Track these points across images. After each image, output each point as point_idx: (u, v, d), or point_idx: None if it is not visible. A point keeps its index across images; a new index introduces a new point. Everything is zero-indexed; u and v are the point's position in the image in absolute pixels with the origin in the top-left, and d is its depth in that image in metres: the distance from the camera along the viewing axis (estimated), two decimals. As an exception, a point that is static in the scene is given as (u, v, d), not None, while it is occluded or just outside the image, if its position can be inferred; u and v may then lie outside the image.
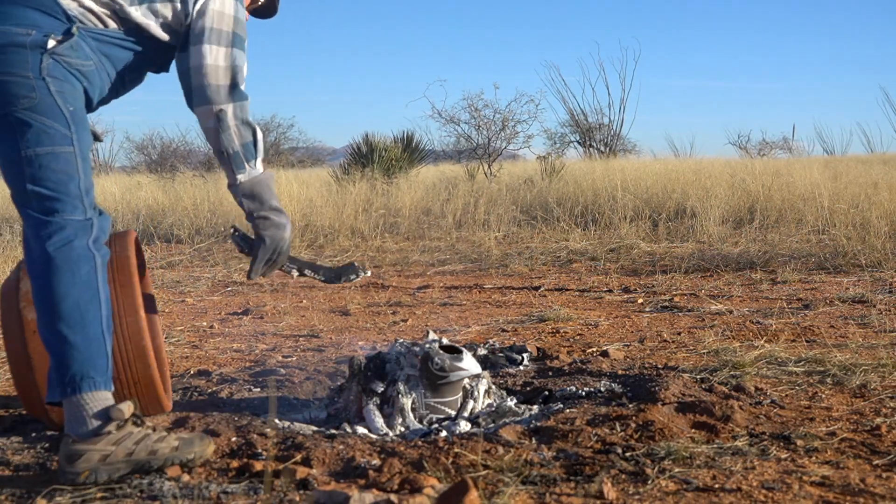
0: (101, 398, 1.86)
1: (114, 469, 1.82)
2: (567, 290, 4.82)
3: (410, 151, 13.22)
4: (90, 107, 2.09)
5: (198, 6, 2.13)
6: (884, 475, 1.81)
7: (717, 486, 1.75)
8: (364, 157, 12.55)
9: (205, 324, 4.03)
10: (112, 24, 2.07)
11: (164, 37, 2.13)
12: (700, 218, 7.34)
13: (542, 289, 4.86)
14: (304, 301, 4.67)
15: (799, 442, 2.01)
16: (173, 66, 2.20)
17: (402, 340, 2.42)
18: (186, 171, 14.36)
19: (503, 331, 3.72)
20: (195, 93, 2.12)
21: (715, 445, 1.99)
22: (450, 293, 4.82)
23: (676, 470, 1.84)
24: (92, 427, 1.83)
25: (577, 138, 21.48)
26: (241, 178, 2.17)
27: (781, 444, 2.01)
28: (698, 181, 9.59)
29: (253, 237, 2.29)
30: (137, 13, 2.09)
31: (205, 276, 5.69)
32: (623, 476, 1.81)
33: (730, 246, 6.29)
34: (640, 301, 4.37)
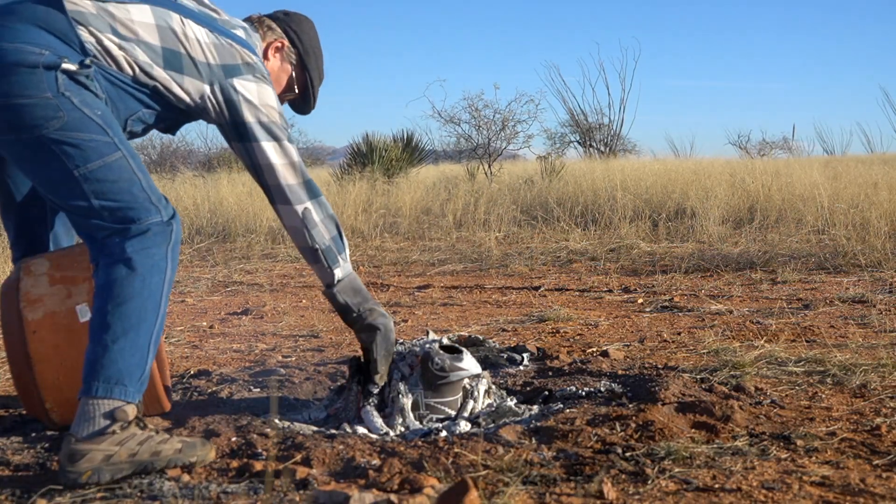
0: (117, 404, 1.85)
1: (117, 469, 1.81)
2: (567, 290, 4.83)
3: (410, 151, 13.22)
4: None
5: (239, 97, 2.08)
6: (884, 475, 1.81)
7: (717, 486, 1.75)
8: (364, 156, 12.55)
9: (205, 324, 4.03)
10: (128, 71, 1.98)
11: (185, 99, 2.06)
12: (700, 218, 7.34)
13: (542, 289, 4.86)
14: (304, 301, 4.67)
15: (799, 442, 2.01)
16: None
17: (402, 340, 2.42)
18: (186, 172, 14.36)
19: (503, 331, 3.72)
20: (273, 192, 2.14)
21: (715, 445, 1.99)
22: (450, 293, 4.82)
23: (676, 470, 1.84)
24: (98, 427, 1.83)
25: (577, 138, 21.48)
26: (338, 273, 2.20)
27: (781, 444, 2.01)
28: (698, 181, 9.59)
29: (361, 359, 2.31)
30: (162, 72, 2.01)
31: (205, 277, 5.69)
32: (623, 476, 1.81)
33: (730, 246, 6.29)
34: (640, 301, 4.37)
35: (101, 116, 1.90)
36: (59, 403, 2.12)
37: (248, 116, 2.08)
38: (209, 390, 2.68)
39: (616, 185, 9.45)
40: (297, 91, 2.37)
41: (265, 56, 2.29)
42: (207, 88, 2.06)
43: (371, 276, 5.60)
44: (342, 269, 2.21)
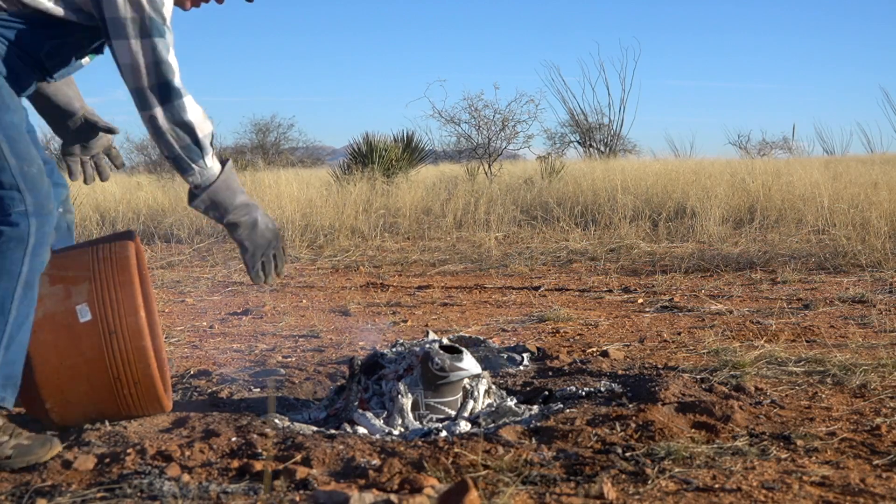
0: None
1: None
2: (567, 290, 4.82)
3: (410, 151, 13.22)
4: (19, 92, 2.03)
5: None
6: (884, 475, 1.81)
7: (717, 486, 1.75)
8: (364, 157, 12.55)
9: (205, 324, 4.03)
10: (5, 6, 1.96)
11: (58, 11, 2.00)
12: (700, 218, 7.34)
13: (542, 289, 4.86)
14: (304, 301, 4.67)
15: (799, 442, 2.01)
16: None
17: (402, 340, 2.42)
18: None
19: (503, 331, 3.71)
20: (131, 96, 2.01)
21: (715, 445, 1.99)
22: (450, 293, 4.82)
23: (676, 470, 1.84)
24: None
25: (577, 138, 21.50)
26: (192, 180, 2.06)
27: (781, 444, 2.00)
28: (698, 181, 9.59)
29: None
30: None
31: (205, 277, 5.69)
32: (623, 476, 1.81)
33: (730, 246, 6.29)
34: (640, 301, 4.37)
35: None
36: (59, 403, 2.12)
37: (117, 10, 1.96)
38: (209, 390, 2.68)
39: (616, 185, 9.46)
40: None
41: None
42: None
43: (371, 276, 5.60)
44: (196, 176, 2.05)
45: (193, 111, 2.02)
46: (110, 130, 2.41)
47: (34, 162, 1.98)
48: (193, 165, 2.04)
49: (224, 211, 2.10)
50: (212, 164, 2.07)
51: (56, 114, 2.31)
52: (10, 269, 1.91)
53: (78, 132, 2.35)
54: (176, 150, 2.02)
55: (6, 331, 1.92)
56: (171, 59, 2.01)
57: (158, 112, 1.99)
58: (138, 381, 2.11)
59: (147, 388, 2.12)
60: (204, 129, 2.04)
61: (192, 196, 2.10)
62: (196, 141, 2.03)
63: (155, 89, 1.98)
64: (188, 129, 2.02)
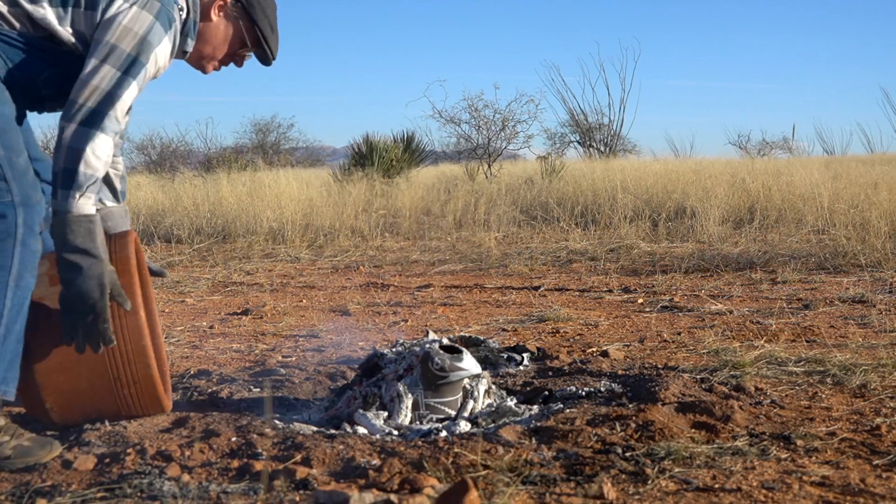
0: None
1: None
2: (567, 290, 4.82)
3: (410, 152, 13.23)
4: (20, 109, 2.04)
5: (108, 13, 2.02)
6: (884, 475, 1.81)
7: (717, 486, 1.75)
8: (364, 157, 12.55)
9: (205, 324, 4.03)
10: (17, 25, 1.99)
11: (66, 34, 2.02)
12: (700, 218, 7.34)
13: (542, 289, 4.86)
14: (304, 301, 4.67)
15: (799, 442, 2.01)
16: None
17: (402, 340, 2.42)
18: (186, 172, 14.37)
19: (503, 331, 3.71)
20: (67, 102, 1.98)
21: (715, 445, 1.99)
22: (450, 293, 4.82)
23: (676, 470, 1.84)
24: None
25: (577, 138, 21.50)
26: (53, 202, 1.98)
27: (781, 444, 2.00)
28: (698, 181, 9.60)
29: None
30: (40, 11, 1.99)
31: (205, 277, 5.69)
32: (623, 476, 1.81)
33: (730, 246, 6.29)
34: (640, 301, 4.37)
35: None
36: (59, 403, 2.12)
37: (108, 35, 1.99)
38: (209, 390, 2.68)
39: (616, 185, 9.46)
40: (249, 46, 2.30)
41: (207, 17, 2.23)
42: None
43: (371, 276, 5.60)
44: (56, 203, 1.97)
45: (98, 148, 1.97)
46: (160, 274, 2.44)
47: (21, 153, 1.98)
48: (60, 189, 1.98)
49: (59, 246, 2.00)
50: (75, 201, 1.97)
51: None
52: (0, 262, 1.92)
53: None
54: (59, 167, 1.98)
55: (2, 322, 1.92)
56: (124, 99, 2.00)
57: (70, 128, 1.96)
58: (138, 380, 2.11)
59: (147, 387, 2.12)
60: (90, 167, 1.97)
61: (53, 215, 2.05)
62: (74, 171, 1.96)
63: (84, 110, 1.96)
64: (76, 156, 1.95)
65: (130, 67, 2.00)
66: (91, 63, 1.99)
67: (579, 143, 21.52)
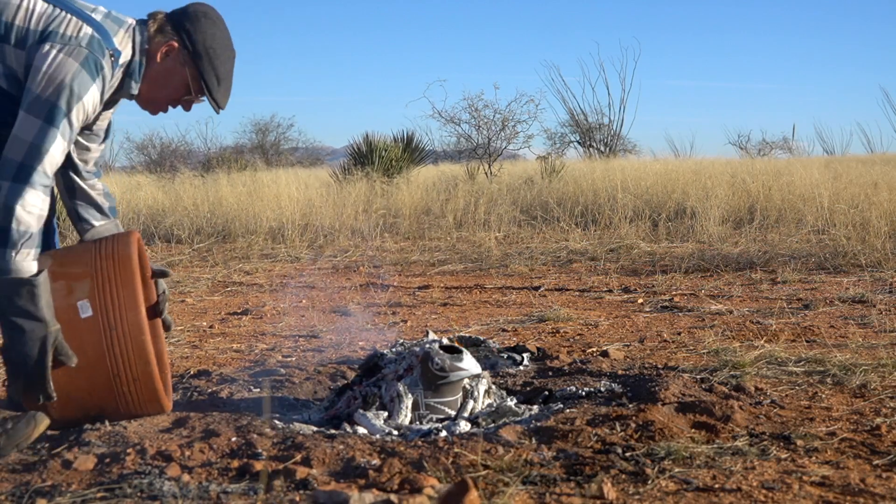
0: None
1: None
2: (567, 290, 4.82)
3: (410, 151, 13.22)
4: None
5: (35, 62, 1.99)
6: (884, 475, 1.81)
7: (717, 486, 1.75)
8: (364, 157, 12.55)
9: (205, 324, 4.03)
10: None
11: (2, 80, 2.02)
12: (700, 218, 7.34)
13: (542, 289, 4.86)
14: (304, 301, 4.67)
15: (799, 442, 2.01)
16: None
17: (402, 340, 2.42)
18: (186, 172, 14.37)
19: (503, 331, 3.72)
20: None
21: (715, 445, 1.99)
22: (450, 293, 4.82)
23: (676, 470, 1.84)
24: None
25: (577, 138, 21.50)
26: None
27: (781, 444, 2.00)
28: (698, 181, 9.60)
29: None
30: None
31: (205, 277, 5.69)
32: (623, 476, 1.81)
33: (730, 246, 6.29)
34: (640, 301, 4.37)
35: None
36: (60, 399, 2.12)
37: (33, 85, 1.98)
38: (209, 390, 2.68)
39: (616, 185, 9.46)
40: (193, 94, 2.23)
41: (153, 60, 2.18)
42: (12, 53, 2.01)
43: (371, 276, 5.60)
44: None
45: (29, 204, 1.97)
46: (163, 273, 2.44)
47: None
48: None
49: (1, 307, 1.99)
50: (13, 260, 1.97)
51: None
52: None
53: None
54: None
55: None
56: (50, 150, 1.98)
57: (3, 186, 1.96)
58: (137, 377, 2.11)
59: (146, 385, 2.12)
60: (23, 224, 1.96)
61: None
62: (7, 229, 1.96)
63: (13, 165, 1.96)
64: (7, 214, 1.95)
65: (53, 117, 1.98)
66: (21, 115, 1.98)
67: (579, 143, 21.53)
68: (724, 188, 8.84)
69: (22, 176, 1.96)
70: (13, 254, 1.96)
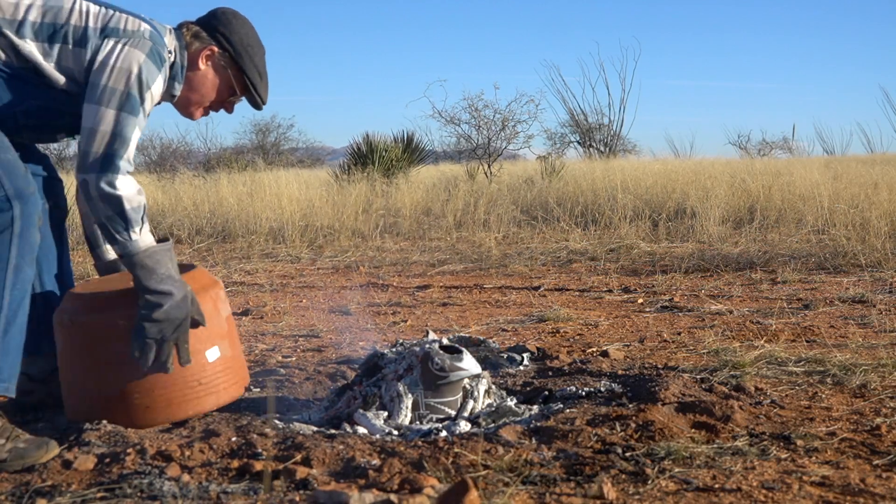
0: None
1: None
2: (567, 290, 4.82)
3: (410, 151, 13.22)
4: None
5: (100, 56, 2.05)
6: (884, 475, 1.81)
7: (717, 486, 1.75)
8: (364, 157, 12.55)
9: (205, 324, 4.03)
10: (2, 56, 2.03)
11: (49, 69, 2.06)
12: (700, 218, 7.34)
13: (542, 289, 4.86)
14: (304, 301, 4.67)
15: (799, 442, 2.01)
16: None
17: (402, 340, 2.42)
18: (186, 172, 14.37)
19: (503, 331, 3.72)
20: (78, 155, 2.03)
21: (715, 445, 1.99)
22: (450, 293, 4.82)
23: (676, 470, 1.84)
24: None
25: (577, 138, 21.52)
26: (116, 248, 2.06)
27: (781, 444, 2.01)
28: (698, 181, 9.60)
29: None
30: (26, 45, 2.03)
31: (205, 277, 5.68)
32: (623, 476, 1.81)
33: (730, 246, 6.30)
34: (640, 301, 4.37)
35: None
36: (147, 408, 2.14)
37: (103, 78, 2.03)
38: (209, 390, 2.67)
39: (616, 185, 9.46)
40: (238, 93, 2.31)
41: (195, 66, 2.24)
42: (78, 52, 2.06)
43: (371, 276, 5.60)
44: (120, 247, 2.04)
45: (125, 186, 2.03)
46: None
47: (9, 150, 2.00)
48: (117, 236, 2.04)
49: (139, 285, 2.06)
50: (138, 237, 2.05)
51: None
52: None
53: None
54: (102, 219, 2.04)
55: (1, 315, 1.92)
56: (131, 137, 2.04)
57: (92, 179, 2.01)
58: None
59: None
60: (133, 202, 2.04)
61: (121, 261, 2.11)
62: (121, 212, 2.03)
63: (99, 157, 2.01)
64: (115, 200, 2.02)
65: (130, 106, 2.03)
66: (92, 109, 2.02)
67: (579, 143, 21.54)
68: (724, 188, 8.84)
69: (109, 166, 2.01)
70: (137, 231, 2.04)
